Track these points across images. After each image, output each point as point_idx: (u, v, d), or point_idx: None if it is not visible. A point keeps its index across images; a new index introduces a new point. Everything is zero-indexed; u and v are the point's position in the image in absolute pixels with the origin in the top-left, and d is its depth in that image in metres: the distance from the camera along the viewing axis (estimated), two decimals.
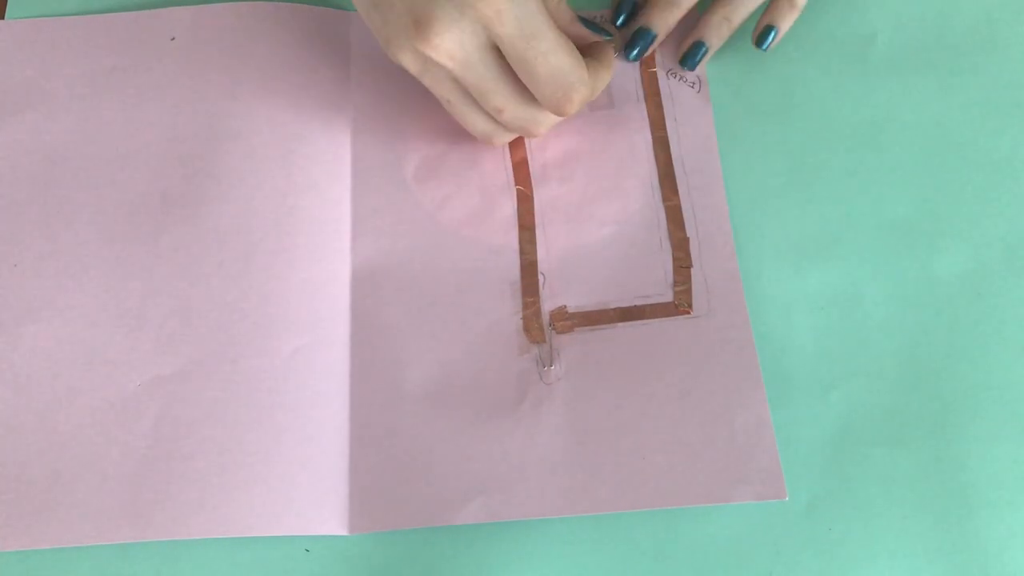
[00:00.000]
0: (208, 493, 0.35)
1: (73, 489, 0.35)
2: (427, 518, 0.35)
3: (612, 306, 0.38)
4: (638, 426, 0.36)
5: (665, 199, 0.41)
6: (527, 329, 0.38)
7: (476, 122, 0.38)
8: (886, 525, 0.35)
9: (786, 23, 0.42)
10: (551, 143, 0.42)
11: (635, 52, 0.42)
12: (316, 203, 0.40)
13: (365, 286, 0.39)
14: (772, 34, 0.42)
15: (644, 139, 0.42)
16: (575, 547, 0.35)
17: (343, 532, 0.35)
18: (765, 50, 0.42)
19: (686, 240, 0.40)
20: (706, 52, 0.42)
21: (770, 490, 0.34)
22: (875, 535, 0.35)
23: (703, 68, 0.43)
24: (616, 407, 0.36)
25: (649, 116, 0.42)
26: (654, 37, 0.42)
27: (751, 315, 0.38)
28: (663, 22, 0.42)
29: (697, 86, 0.43)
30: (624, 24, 0.43)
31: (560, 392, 0.37)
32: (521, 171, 0.41)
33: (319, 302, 0.38)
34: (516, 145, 0.42)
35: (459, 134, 0.41)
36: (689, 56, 0.42)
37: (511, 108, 0.36)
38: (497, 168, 0.41)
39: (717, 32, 0.42)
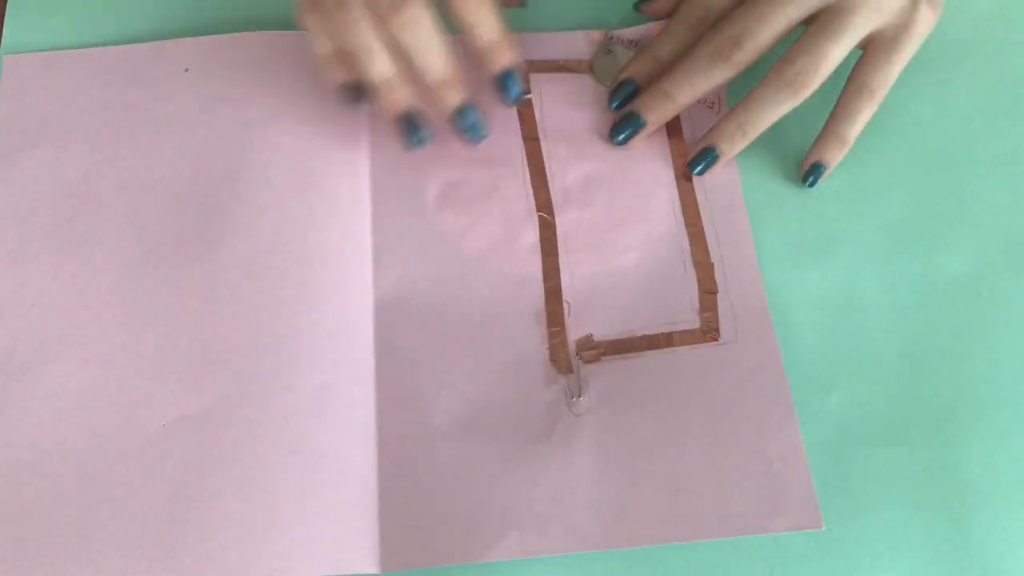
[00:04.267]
0: (236, 533, 0.34)
1: (99, 531, 0.34)
2: (460, 555, 0.34)
3: (639, 334, 0.38)
4: (670, 458, 0.36)
5: (688, 223, 0.40)
6: (554, 359, 0.38)
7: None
8: (886, 525, 0.35)
9: (836, 160, 0.40)
10: (572, 167, 0.41)
11: (622, 137, 0.41)
12: (336, 235, 0.39)
13: (389, 319, 0.38)
14: (821, 171, 0.40)
15: (665, 163, 0.42)
16: None
17: (375, 571, 0.34)
18: (811, 187, 0.41)
19: (711, 265, 0.39)
20: (716, 159, 0.40)
21: (807, 520, 0.34)
22: (875, 535, 0.35)
23: (720, 88, 0.43)
24: (647, 439, 0.36)
25: (669, 138, 0.42)
26: (643, 125, 0.40)
27: None
28: (656, 114, 0.40)
29: (715, 106, 0.43)
30: (619, 107, 0.42)
31: (590, 424, 0.36)
32: (542, 196, 0.41)
33: (343, 336, 0.38)
34: (537, 170, 0.41)
35: (479, 160, 0.41)
36: (697, 160, 0.41)
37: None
38: (518, 194, 0.41)
39: (730, 141, 0.40)
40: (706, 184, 0.41)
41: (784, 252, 0.40)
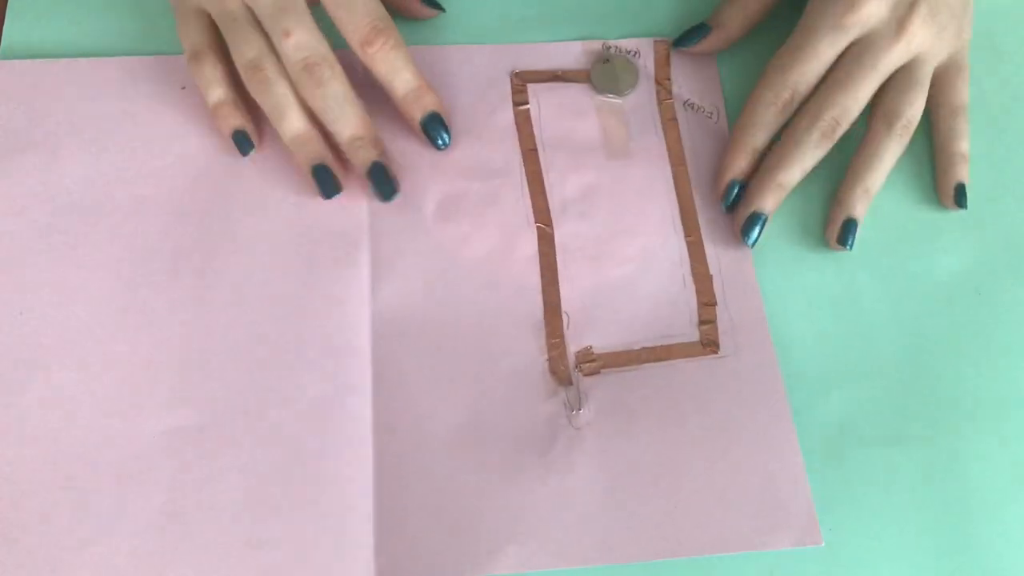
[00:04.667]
0: (228, 548, 0.34)
1: (88, 542, 0.34)
2: (457, 569, 0.34)
3: (638, 346, 0.38)
4: (670, 471, 0.35)
5: (687, 234, 0.40)
6: (553, 371, 0.37)
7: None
8: (886, 525, 0.35)
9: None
10: (570, 178, 0.41)
11: (754, 238, 0.39)
12: (333, 247, 0.39)
13: (386, 330, 0.38)
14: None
15: (664, 173, 0.41)
16: None
17: None
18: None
19: (710, 277, 0.39)
20: (765, 222, 0.39)
21: (807, 536, 0.34)
22: (875, 535, 0.35)
23: (720, 98, 0.43)
24: (647, 452, 0.36)
25: (668, 149, 0.42)
26: (766, 219, 0.40)
27: None
28: (775, 204, 0.39)
29: (715, 116, 0.43)
30: (732, 206, 0.40)
31: (590, 437, 0.36)
32: (541, 207, 0.41)
33: (339, 349, 0.37)
34: (535, 180, 0.41)
35: (477, 171, 0.41)
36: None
37: (300, 33, 0.36)
38: (517, 205, 0.41)
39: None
40: (705, 193, 0.41)
41: (784, 252, 0.40)
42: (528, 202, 0.41)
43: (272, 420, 0.36)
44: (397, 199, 0.40)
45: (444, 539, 0.34)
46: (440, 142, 0.40)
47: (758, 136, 0.40)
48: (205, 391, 0.36)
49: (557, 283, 0.39)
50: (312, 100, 0.37)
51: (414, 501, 0.35)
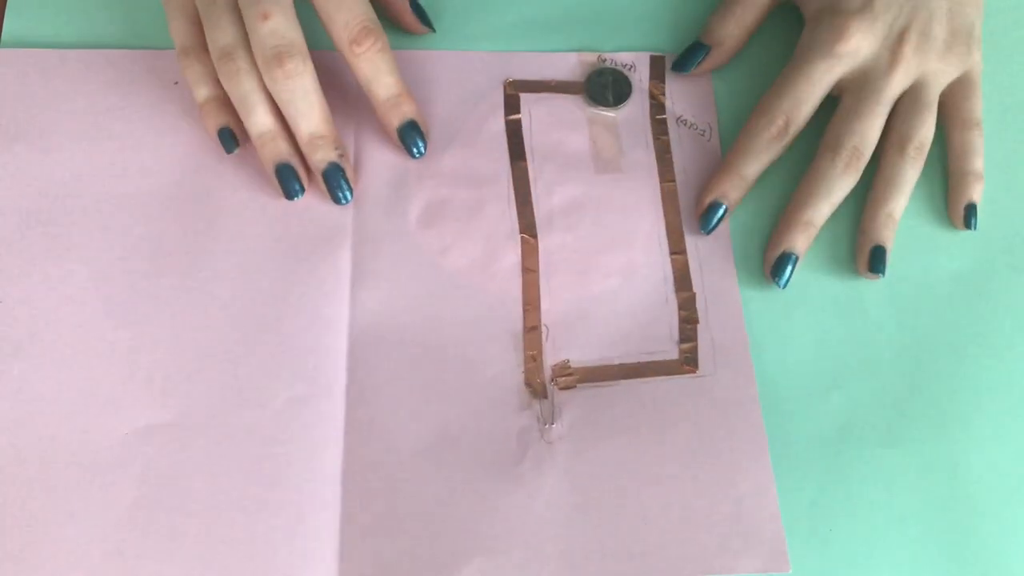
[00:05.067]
0: (194, 548, 0.34)
1: (55, 537, 0.34)
2: None
3: (616, 362, 0.38)
4: (640, 491, 0.35)
5: (672, 251, 0.40)
6: (529, 383, 0.37)
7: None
8: (886, 525, 0.35)
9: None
10: (557, 189, 0.41)
11: (785, 279, 0.39)
12: (315, 250, 0.39)
13: (363, 335, 0.38)
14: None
15: (652, 189, 0.41)
16: None
17: None
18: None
19: (693, 296, 0.39)
20: (796, 262, 0.39)
21: (774, 563, 0.34)
22: (875, 535, 0.35)
23: (713, 115, 0.43)
24: (618, 470, 0.35)
25: (658, 165, 0.42)
26: (798, 259, 0.39)
27: (751, 314, 0.38)
28: (806, 244, 0.39)
29: (707, 134, 0.43)
30: (710, 227, 0.40)
31: (561, 452, 0.36)
32: (526, 218, 0.40)
33: (314, 352, 0.37)
34: (522, 190, 0.41)
35: (464, 179, 0.41)
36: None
37: (278, 17, 0.35)
38: (502, 214, 0.40)
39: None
40: (693, 211, 0.41)
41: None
42: (514, 212, 0.40)
43: (245, 420, 0.36)
44: (382, 203, 0.40)
45: (409, 548, 0.34)
46: (415, 151, 0.40)
47: (750, 164, 0.40)
48: (180, 389, 0.36)
49: (538, 295, 0.39)
50: (278, 93, 0.36)
51: (381, 508, 0.35)
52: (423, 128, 0.40)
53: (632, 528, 0.34)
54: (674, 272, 0.39)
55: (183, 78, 0.40)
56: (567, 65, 0.43)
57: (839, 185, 0.39)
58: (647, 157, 0.42)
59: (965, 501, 0.35)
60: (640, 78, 0.43)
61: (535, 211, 0.40)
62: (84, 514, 0.34)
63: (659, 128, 0.42)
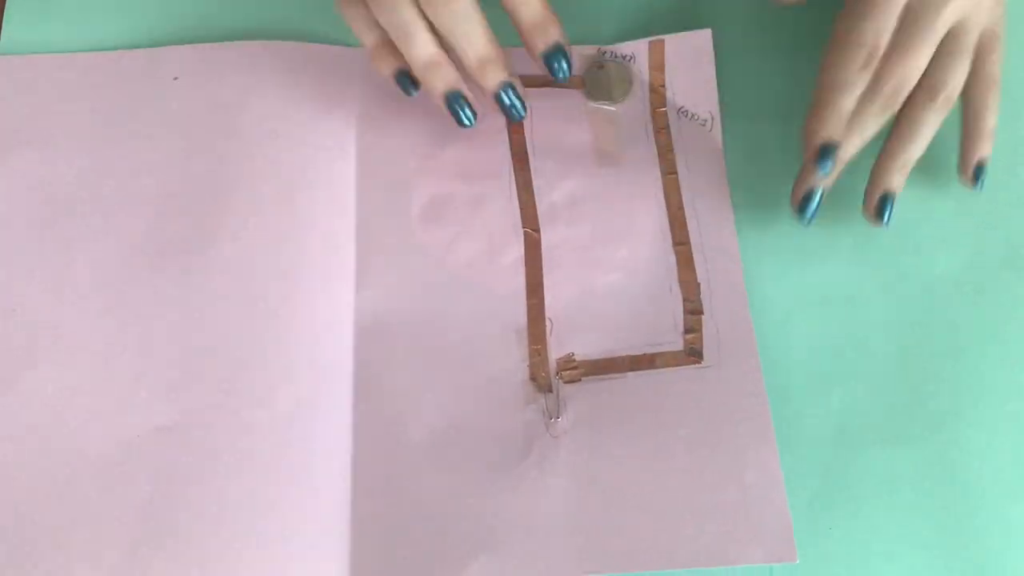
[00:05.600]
0: (207, 549, 0.34)
1: (70, 541, 0.34)
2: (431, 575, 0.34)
3: (620, 354, 0.38)
4: (646, 483, 0.35)
5: (675, 242, 0.40)
6: (534, 377, 0.37)
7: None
8: (886, 525, 0.35)
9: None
10: (559, 184, 0.41)
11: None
12: (319, 248, 0.39)
13: (369, 333, 0.38)
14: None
15: (654, 180, 0.41)
16: None
17: None
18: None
19: (697, 286, 0.39)
20: (894, 200, 0.39)
21: (781, 553, 0.33)
22: (875, 535, 0.35)
23: (715, 104, 0.42)
24: (624, 463, 0.35)
25: (659, 158, 0.41)
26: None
27: (754, 308, 0.38)
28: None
29: (708, 124, 0.42)
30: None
31: (567, 446, 0.36)
32: (529, 212, 0.40)
33: (321, 351, 0.37)
34: (524, 185, 0.41)
35: (466, 174, 0.41)
36: (881, 210, 0.39)
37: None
38: (505, 209, 0.40)
39: (900, 175, 0.39)
40: (695, 201, 0.40)
41: (784, 252, 0.40)
42: (516, 206, 0.40)
43: (253, 421, 0.36)
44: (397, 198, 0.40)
45: (418, 545, 0.34)
46: (560, 75, 0.38)
47: (846, 98, 0.38)
48: (186, 392, 0.37)
49: (542, 289, 0.39)
50: (438, 18, 0.35)
51: (390, 505, 0.35)
52: (568, 52, 0.38)
53: (638, 521, 0.34)
54: (678, 263, 0.39)
55: (348, 27, 0.38)
56: None
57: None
58: (648, 150, 0.42)
59: (965, 501, 0.35)
60: (640, 69, 0.43)
61: (537, 205, 0.40)
62: (98, 516, 0.35)
63: (660, 121, 0.42)
